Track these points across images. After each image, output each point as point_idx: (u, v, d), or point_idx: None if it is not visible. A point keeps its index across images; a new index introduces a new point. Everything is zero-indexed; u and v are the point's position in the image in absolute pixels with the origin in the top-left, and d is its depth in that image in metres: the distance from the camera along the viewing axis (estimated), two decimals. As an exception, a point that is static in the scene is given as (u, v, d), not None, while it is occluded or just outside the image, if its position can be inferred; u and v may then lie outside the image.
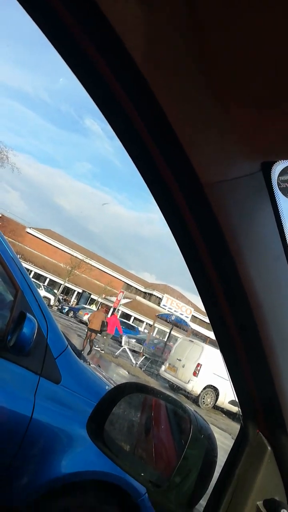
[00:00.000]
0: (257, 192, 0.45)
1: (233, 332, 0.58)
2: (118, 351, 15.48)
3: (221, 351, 0.64)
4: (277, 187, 0.44)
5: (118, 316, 33.58)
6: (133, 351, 15.96)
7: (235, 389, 0.69)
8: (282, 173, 0.43)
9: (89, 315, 15.54)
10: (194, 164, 0.40)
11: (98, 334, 13.52)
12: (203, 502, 0.75)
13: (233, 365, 0.64)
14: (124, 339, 16.20)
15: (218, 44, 0.32)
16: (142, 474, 0.79)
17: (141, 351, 16.07)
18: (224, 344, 0.62)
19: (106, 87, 0.37)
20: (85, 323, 15.71)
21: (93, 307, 24.44)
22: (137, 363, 14.86)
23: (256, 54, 0.32)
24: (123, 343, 16.12)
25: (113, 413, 0.84)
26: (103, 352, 14.69)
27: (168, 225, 0.48)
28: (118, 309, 34.05)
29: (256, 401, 0.68)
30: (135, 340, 17.67)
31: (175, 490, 0.72)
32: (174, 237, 0.49)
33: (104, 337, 15.07)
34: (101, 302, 37.34)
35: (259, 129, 0.38)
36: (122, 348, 15.88)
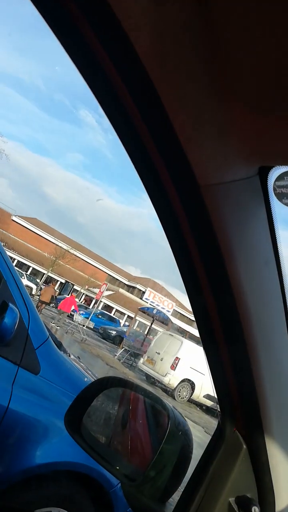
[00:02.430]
0: (253, 196, 0.45)
1: (217, 330, 0.58)
2: (69, 327, 16.68)
3: (204, 349, 0.64)
4: (272, 192, 0.44)
5: (100, 308, 33.57)
6: (81, 325, 17.88)
7: (215, 387, 0.70)
8: (279, 178, 0.44)
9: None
10: (192, 164, 0.40)
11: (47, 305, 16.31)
12: (176, 497, 0.76)
13: (215, 363, 0.65)
14: (75, 316, 18.03)
15: (225, 45, 0.32)
16: (117, 468, 0.79)
17: (122, 343, 16.79)
18: (208, 342, 0.62)
19: (107, 79, 0.37)
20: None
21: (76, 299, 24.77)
22: (85, 338, 15.78)
23: (262, 58, 0.31)
24: (74, 319, 17.74)
25: (92, 406, 0.83)
26: (58, 328, 15.63)
27: (160, 221, 0.48)
28: (101, 301, 33.93)
29: (235, 400, 0.68)
30: (83, 316, 19.44)
31: (149, 484, 0.72)
32: (165, 233, 0.49)
33: (60, 315, 16.54)
34: (83, 293, 37.21)
35: (259, 133, 0.38)
36: (72, 325, 17.12)
